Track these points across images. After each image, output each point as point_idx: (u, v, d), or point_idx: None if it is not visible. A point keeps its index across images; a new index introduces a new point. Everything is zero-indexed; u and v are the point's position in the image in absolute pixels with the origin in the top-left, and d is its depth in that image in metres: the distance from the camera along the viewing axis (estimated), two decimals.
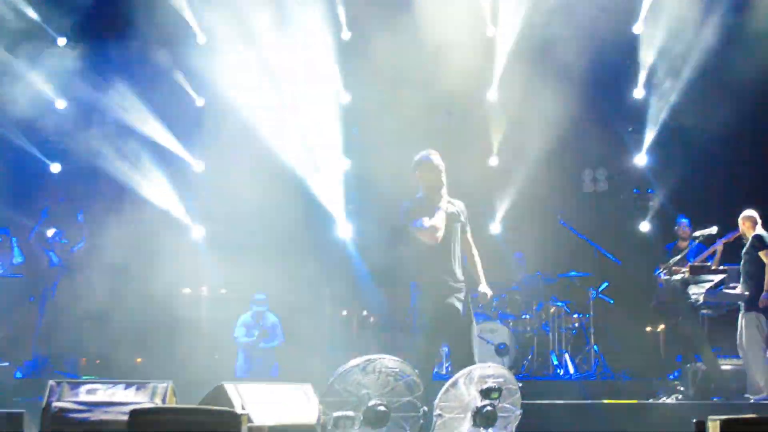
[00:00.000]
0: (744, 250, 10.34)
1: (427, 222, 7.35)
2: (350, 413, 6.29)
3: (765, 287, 9.96)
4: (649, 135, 15.07)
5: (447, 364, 12.31)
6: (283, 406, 6.17)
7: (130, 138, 14.85)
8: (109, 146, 14.69)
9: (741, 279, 10.40)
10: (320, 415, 6.27)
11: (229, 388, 6.00)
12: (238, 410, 5.56)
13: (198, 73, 14.87)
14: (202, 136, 15.16)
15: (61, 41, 14.72)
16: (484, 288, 7.78)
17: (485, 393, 6.64)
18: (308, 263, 15.20)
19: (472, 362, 7.09)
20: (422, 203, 7.55)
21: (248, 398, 5.98)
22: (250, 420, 5.48)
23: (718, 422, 5.12)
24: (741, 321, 10.24)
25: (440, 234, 7.37)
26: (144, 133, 14.88)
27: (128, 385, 6.11)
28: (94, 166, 14.66)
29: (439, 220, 7.38)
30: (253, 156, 14.22)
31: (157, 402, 6.00)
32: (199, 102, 15.34)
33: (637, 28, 14.67)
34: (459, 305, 7.42)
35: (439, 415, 6.52)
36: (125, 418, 5.05)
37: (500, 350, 12.22)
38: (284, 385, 6.55)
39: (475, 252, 7.86)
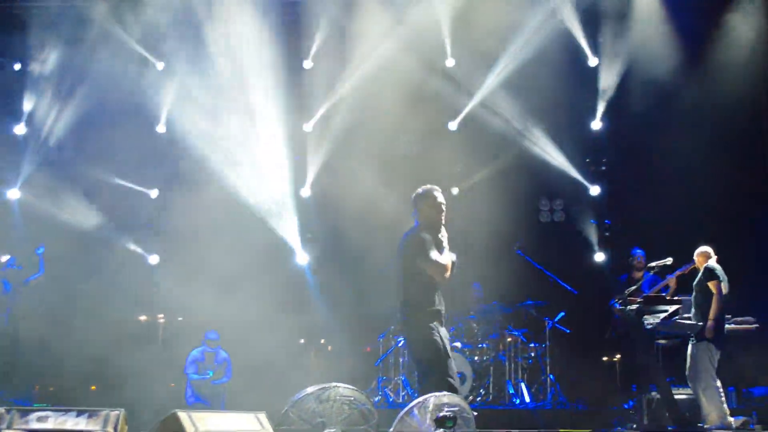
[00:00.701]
0: (695, 282, 10.49)
1: (441, 259, 7.41)
2: None
3: (710, 316, 10.11)
4: (606, 166, 15.25)
5: (403, 393, 12.30)
6: None
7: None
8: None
9: (692, 310, 10.54)
10: None
11: (182, 416, 5.95)
12: None
13: (155, 101, 14.95)
14: (159, 164, 15.20)
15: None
16: None
17: (440, 422, 6.63)
18: (266, 291, 15.20)
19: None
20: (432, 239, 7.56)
21: (201, 426, 5.94)
22: None
23: None
24: (691, 351, 10.36)
25: (449, 275, 7.46)
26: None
27: (80, 413, 6.05)
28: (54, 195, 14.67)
29: (448, 260, 7.46)
30: (210, 184, 14.28)
31: (109, 430, 5.95)
32: (160, 129, 15.30)
33: (594, 61, 14.89)
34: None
35: None
36: None
37: (457, 378, 12.22)
38: (238, 414, 6.52)
39: None
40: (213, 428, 6.06)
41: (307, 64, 15.26)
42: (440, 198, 7.60)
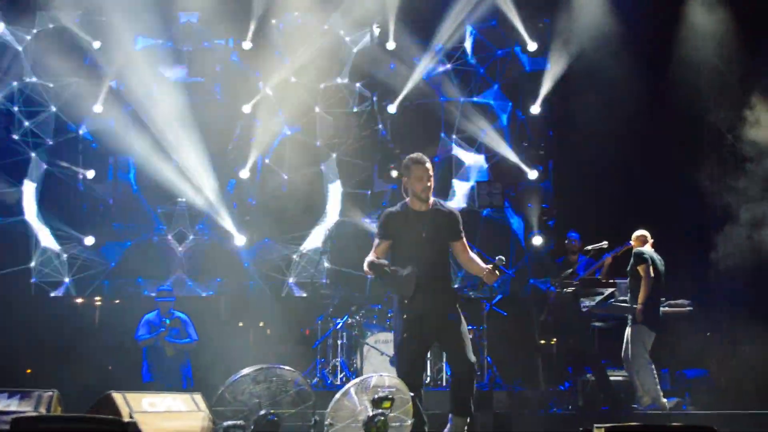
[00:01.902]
0: (629, 266, 10.63)
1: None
2: (240, 423, 6.26)
3: (640, 300, 10.26)
4: (545, 151, 15.36)
5: (341, 375, 12.31)
6: (171, 415, 6.12)
7: None
8: None
9: (628, 293, 10.68)
10: (210, 425, 6.22)
11: (117, 397, 5.92)
12: (125, 419, 5.48)
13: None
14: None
15: None
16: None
17: (377, 402, 6.66)
18: (205, 273, 15.16)
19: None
20: (403, 213, 7.36)
21: (136, 407, 5.91)
22: (136, 429, 5.40)
23: (603, 430, 5.24)
24: (627, 333, 10.51)
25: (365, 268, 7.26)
26: None
27: (11, 395, 5.98)
28: None
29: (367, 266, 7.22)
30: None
31: (42, 411, 5.89)
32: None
33: (532, 46, 15.01)
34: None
35: (331, 424, 6.51)
36: (7, 427, 4.93)
37: (395, 361, 12.24)
38: (174, 394, 6.49)
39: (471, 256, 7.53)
40: (148, 409, 6.04)
41: (246, 45, 15.12)
42: (416, 170, 7.26)
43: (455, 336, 7.25)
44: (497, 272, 7.18)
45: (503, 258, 7.19)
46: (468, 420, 7.34)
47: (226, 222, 14.97)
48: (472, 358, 7.23)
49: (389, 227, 7.33)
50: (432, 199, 7.38)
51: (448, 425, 7.38)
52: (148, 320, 12.11)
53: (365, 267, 7.17)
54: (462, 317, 7.36)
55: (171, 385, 11.19)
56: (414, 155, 7.39)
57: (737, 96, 12.94)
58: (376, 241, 7.34)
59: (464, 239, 7.47)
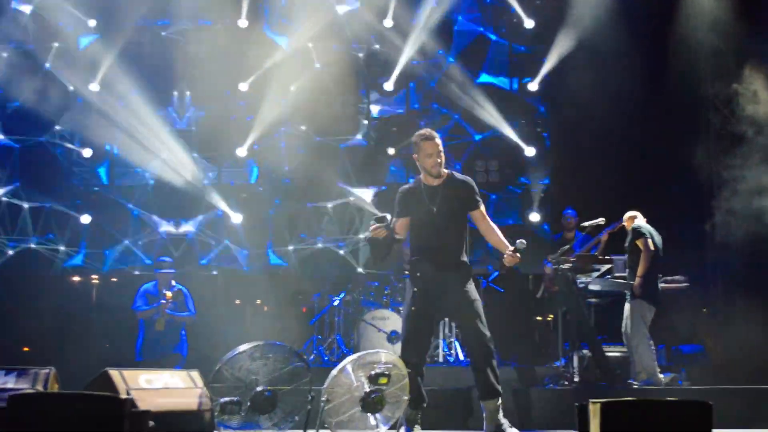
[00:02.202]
0: (626, 243, 10.64)
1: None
2: (237, 399, 6.29)
3: (639, 273, 10.27)
4: (542, 128, 15.35)
5: (338, 352, 12.34)
6: (168, 392, 6.14)
7: None
8: None
9: (627, 271, 10.71)
10: (207, 401, 6.24)
11: (114, 374, 5.94)
12: (122, 396, 5.50)
13: None
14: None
15: None
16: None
17: (373, 379, 6.69)
18: (203, 251, 15.20)
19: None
20: (416, 189, 7.39)
21: (133, 384, 5.93)
22: (133, 406, 5.40)
23: (598, 405, 5.24)
24: (626, 309, 10.53)
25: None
26: None
27: (8, 372, 6.00)
28: None
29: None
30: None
31: (39, 388, 5.91)
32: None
33: (529, 23, 14.98)
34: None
35: (327, 400, 6.54)
36: (4, 404, 4.94)
37: (391, 337, 12.27)
38: (171, 372, 6.51)
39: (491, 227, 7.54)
40: (145, 386, 6.06)
41: (242, 23, 15.06)
42: (425, 146, 7.23)
43: (468, 312, 7.26)
44: (518, 255, 7.16)
45: (524, 241, 7.15)
46: (499, 400, 7.34)
47: (221, 204, 15.02)
48: (487, 334, 7.26)
49: (403, 204, 7.40)
50: (445, 172, 7.37)
51: (483, 413, 7.38)
52: (146, 291, 11.42)
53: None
54: (476, 294, 7.35)
55: (163, 357, 11.01)
56: (423, 131, 7.38)
57: (733, 72, 12.92)
58: (394, 219, 7.35)
59: (482, 208, 7.49)
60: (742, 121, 12.47)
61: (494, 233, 7.46)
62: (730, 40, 13.09)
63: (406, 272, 12.91)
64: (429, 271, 7.19)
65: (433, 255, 7.21)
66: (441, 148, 7.26)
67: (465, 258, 7.43)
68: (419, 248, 7.40)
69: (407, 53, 14.88)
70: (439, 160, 7.21)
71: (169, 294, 10.98)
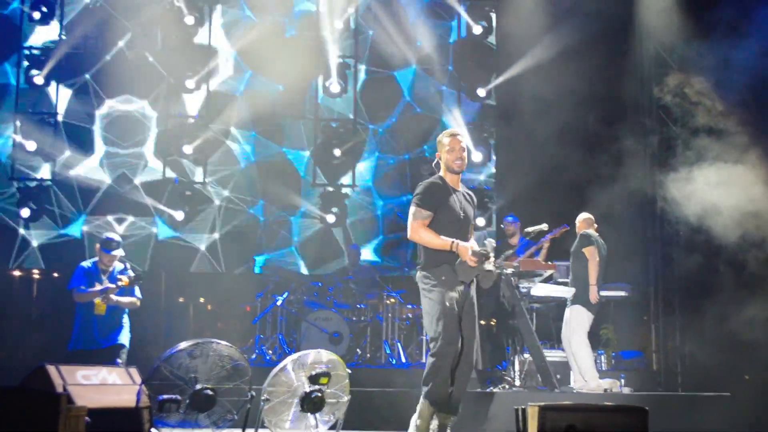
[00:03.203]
0: (572, 248, 10.73)
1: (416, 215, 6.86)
2: (176, 397, 6.24)
3: (591, 282, 10.36)
4: (488, 133, 15.40)
5: (280, 351, 12.31)
6: (106, 388, 6.07)
7: None
8: None
9: (570, 275, 10.79)
10: (145, 399, 6.18)
11: (51, 369, 5.86)
12: (58, 391, 5.44)
13: None
14: None
15: None
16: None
17: (314, 379, 6.69)
18: (144, 248, 15.06)
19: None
20: (437, 186, 6.97)
21: (70, 379, 5.85)
22: (70, 401, 5.35)
23: (536, 408, 5.29)
24: (566, 315, 10.62)
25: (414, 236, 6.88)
26: None
27: None
28: None
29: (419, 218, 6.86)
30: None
31: None
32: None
33: (477, 29, 15.07)
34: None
35: (267, 399, 6.53)
36: None
37: (334, 338, 12.29)
38: (109, 368, 6.44)
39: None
40: (83, 381, 5.98)
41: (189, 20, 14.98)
42: (448, 142, 6.99)
43: (470, 326, 6.93)
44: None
45: (492, 241, 7.10)
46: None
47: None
48: (476, 358, 7.10)
49: (435, 198, 6.92)
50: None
51: (434, 422, 6.97)
52: (86, 270, 9.65)
53: (468, 254, 6.67)
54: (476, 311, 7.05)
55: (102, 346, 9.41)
56: (448, 130, 7.31)
57: (676, 81, 13.08)
58: (423, 212, 6.84)
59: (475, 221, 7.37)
60: (684, 128, 12.61)
61: None
62: (675, 48, 13.26)
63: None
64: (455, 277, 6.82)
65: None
66: (464, 145, 7.05)
67: None
68: (449, 253, 6.85)
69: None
70: (462, 155, 6.97)
71: (125, 279, 9.44)
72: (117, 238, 9.89)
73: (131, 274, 9.62)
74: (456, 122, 15.07)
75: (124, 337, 9.63)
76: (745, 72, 11.53)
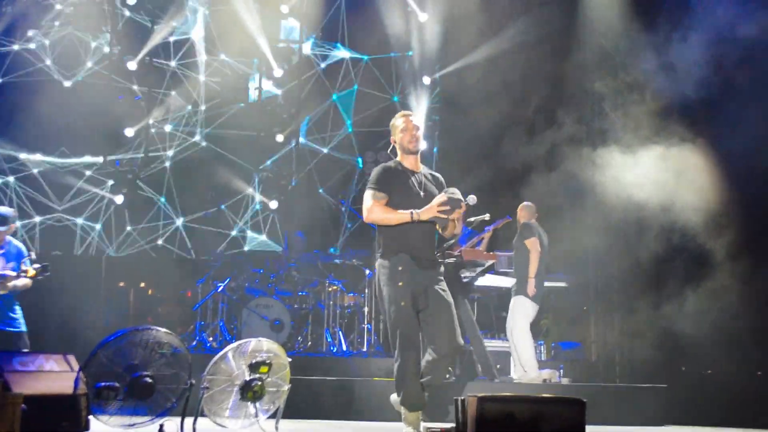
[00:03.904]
0: (515, 239, 10.80)
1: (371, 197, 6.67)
2: (115, 384, 6.17)
3: (530, 274, 10.44)
4: (431, 123, 15.46)
5: (221, 339, 12.25)
6: (43, 375, 6.00)
7: None
8: None
9: (513, 266, 10.87)
10: (83, 386, 6.12)
11: None
12: None
13: None
14: None
15: None
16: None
17: (254, 367, 6.66)
18: (86, 230, 14.90)
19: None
20: (390, 169, 6.83)
21: (6, 366, 5.78)
22: (6, 388, 5.29)
23: (475, 399, 5.33)
24: (511, 305, 10.69)
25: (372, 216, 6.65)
26: None
27: None
28: None
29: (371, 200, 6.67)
30: None
31: None
32: None
33: (423, 17, 15.13)
34: None
35: (207, 388, 6.50)
36: None
37: (275, 326, 12.25)
38: (46, 354, 6.36)
39: None
40: (19, 368, 5.90)
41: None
42: (401, 122, 6.87)
43: (440, 310, 6.66)
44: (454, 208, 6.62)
45: (474, 197, 6.80)
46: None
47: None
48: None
49: (389, 180, 6.76)
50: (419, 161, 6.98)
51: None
52: None
53: (435, 208, 6.53)
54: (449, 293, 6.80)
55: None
56: (399, 113, 7.06)
57: (616, 76, 13.22)
58: (378, 194, 6.67)
59: None
60: (622, 122, 12.72)
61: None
62: (618, 40, 13.36)
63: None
64: (411, 265, 6.66)
65: (419, 247, 6.73)
66: (417, 124, 6.87)
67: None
68: (406, 239, 6.73)
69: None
70: (415, 134, 6.81)
71: (30, 270, 8.22)
72: (9, 212, 8.72)
73: (34, 257, 8.46)
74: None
75: (21, 324, 8.65)
76: (686, 64, 11.68)
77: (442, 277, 6.82)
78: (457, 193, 6.64)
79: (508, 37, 13.66)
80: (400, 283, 6.60)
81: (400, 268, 6.62)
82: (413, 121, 6.87)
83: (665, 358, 11.68)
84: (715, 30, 11.22)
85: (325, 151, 15.99)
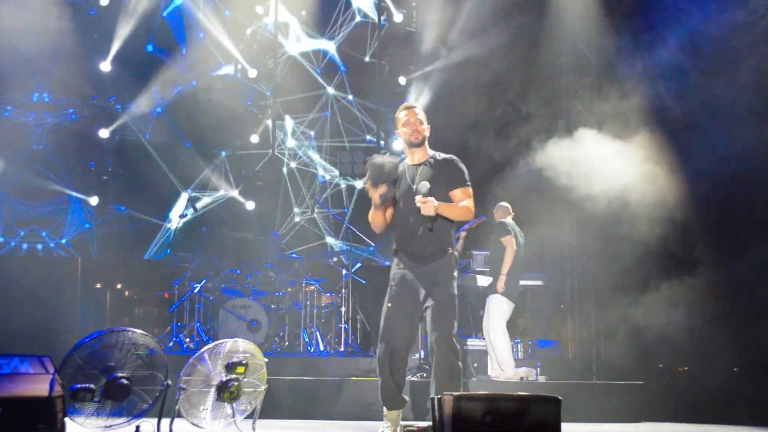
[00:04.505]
0: (491, 238, 10.84)
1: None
2: (90, 386, 6.15)
3: (502, 271, 10.49)
4: None
5: (198, 339, 12.23)
6: (17, 377, 5.96)
7: None
8: None
9: (488, 265, 10.91)
10: (59, 388, 6.09)
11: None
12: None
13: None
14: None
15: None
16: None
17: (231, 368, 6.65)
18: (61, 230, 14.85)
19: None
20: (400, 166, 6.72)
21: None
22: None
23: (451, 397, 5.34)
24: (487, 304, 10.73)
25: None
26: None
27: None
28: None
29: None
30: None
31: None
32: None
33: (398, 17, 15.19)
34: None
35: (183, 389, 6.48)
36: None
37: (252, 326, 12.25)
38: (21, 356, 6.32)
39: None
40: None
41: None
42: (404, 115, 6.78)
43: (438, 307, 6.58)
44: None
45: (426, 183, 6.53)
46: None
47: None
48: (451, 337, 6.61)
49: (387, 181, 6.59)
50: (429, 153, 6.86)
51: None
52: None
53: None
54: (452, 289, 6.69)
55: None
56: (402, 105, 6.96)
57: (588, 73, 13.30)
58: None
59: (459, 189, 6.78)
60: (596, 120, 12.75)
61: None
62: (591, 40, 13.42)
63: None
64: (404, 258, 6.73)
65: (413, 244, 6.69)
66: (420, 117, 6.77)
67: (447, 245, 6.77)
68: (401, 238, 6.80)
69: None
70: (417, 128, 6.71)
71: None
72: None
73: None
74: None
75: None
76: (658, 61, 11.76)
77: (440, 273, 6.67)
78: (387, 165, 6.44)
79: (483, 39, 13.67)
80: (392, 283, 6.75)
81: (397, 268, 6.77)
82: (417, 114, 6.77)
83: (642, 355, 11.74)
84: (687, 30, 11.31)
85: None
